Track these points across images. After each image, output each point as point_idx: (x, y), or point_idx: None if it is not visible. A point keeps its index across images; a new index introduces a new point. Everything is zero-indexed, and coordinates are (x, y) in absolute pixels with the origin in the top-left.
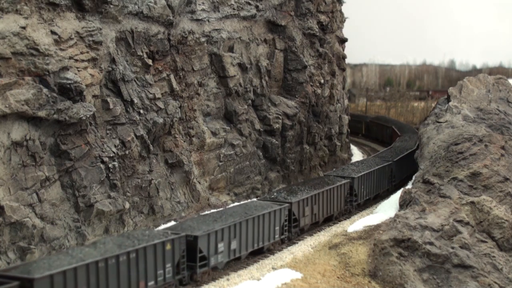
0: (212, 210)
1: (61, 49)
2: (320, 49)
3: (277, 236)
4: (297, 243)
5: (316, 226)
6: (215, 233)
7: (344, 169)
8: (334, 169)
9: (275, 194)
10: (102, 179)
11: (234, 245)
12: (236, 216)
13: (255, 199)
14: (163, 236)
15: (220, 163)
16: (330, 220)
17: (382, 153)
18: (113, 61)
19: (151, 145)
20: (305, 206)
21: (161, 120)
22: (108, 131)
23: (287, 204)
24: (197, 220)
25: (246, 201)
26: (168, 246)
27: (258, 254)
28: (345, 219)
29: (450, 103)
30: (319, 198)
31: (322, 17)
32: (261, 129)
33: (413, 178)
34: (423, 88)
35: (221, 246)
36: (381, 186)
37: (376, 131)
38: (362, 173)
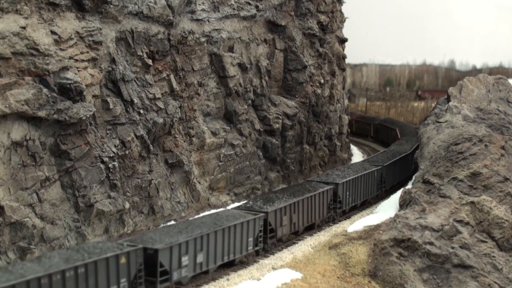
0: (172, 222)
1: (61, 49)
2: (320, 49)
3: (250, 247)
4: (297, 243)
5: (296, 236)
6: (178, 246)
7: (328, 175)
8: (317, 175)
9: (250, 202)
10: (102, 179)
11: (200, 258)
12: (204, 227)
13: (229, 208)
14: (117, 249)
15: (220, 163)
16: (312, 228)
17: (373, 157)
18: (113, 61)
19: (151, 145)
20: (282, 215)
21: (161, 120)
22: (108, 131)
23: (262, 214)
24: (160, 232)
25: (218, 211)
26: (123, 260)
27: (230, 266)
28: (333, 224)
29: (450, 103)
30: (299, 206)
31: (322, 17)
32: (261, 129)
33: (413, 178)
34: (423, 88)
35: (185, 260)
36: (369, 192)
37: (383, 134)
38: (347, 178)
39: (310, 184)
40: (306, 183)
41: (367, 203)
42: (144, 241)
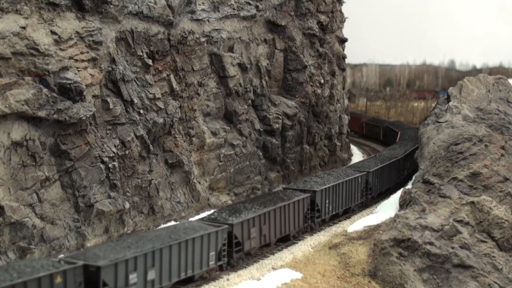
0: (121, 237)
1: (61, 49)
2: (320, 49)
3: (212, 262)
4: (297, 243)
5: (268, 247)
6: (124, 263)
7: (306, 182)
8: (295, 182)
9: (215, 214)
10: (102, 179)
11: (152, 275)
12: (157, 241)
13: (192, 220)
14: (52, 267)
15: (220, 163)
16: (286, 240)
17: (359, 162)
18: (113, 61)
19: (151, 145)
20: (250, 227)
21: (161, 120)
22: (108, 131)
23: (226, 226)
24: (106, 247)
25: (177, 223)
26: (58, 279)
27: (189, 282)
28: (311, 234)
29: (450, 103)
30: (270, 217)
31: (322, 17)
32: (261, 129)
33: (413, 178)
34: (423, 88)
35: (133, 278)
36: (352, 199)
37: (389, 137)
38: (327, 185)
39: (285, 193)
40: (281, 192)
41: (351, 211)
42: (86, 258)
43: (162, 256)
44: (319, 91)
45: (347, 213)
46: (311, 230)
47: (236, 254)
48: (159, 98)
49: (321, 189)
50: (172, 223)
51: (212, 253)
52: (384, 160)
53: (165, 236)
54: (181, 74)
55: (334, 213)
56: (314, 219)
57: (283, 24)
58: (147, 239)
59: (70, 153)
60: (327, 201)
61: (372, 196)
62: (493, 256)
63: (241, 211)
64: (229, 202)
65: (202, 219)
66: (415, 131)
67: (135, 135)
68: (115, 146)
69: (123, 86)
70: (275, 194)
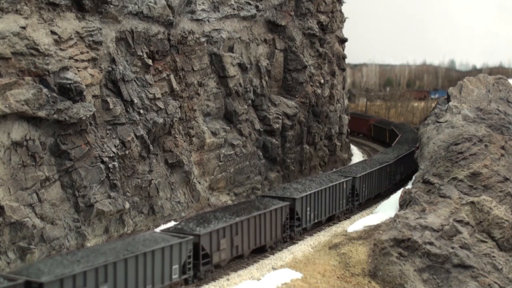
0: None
1: (61, 49)
2: (320, 49)
3: (175, 276)
4: (297, 243)
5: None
6: (71, 279)
7: (285, 189)
8: (273, 189)
9: (182, 223)
10: (102, 179)
11: None
12: (111, 254)
13: (156, 230)
14: None
15: (220, 163)
16: (262, 251)
17: (347, 167)
18: (113, 61)
19: (151, 145)
20: (220, 238)
21: (161, 120)
22: (108, 131)
23: (191, 237)
24: (52, 262)
25: (137, 235)
26: None
27: None
28: (290, 244)
29: (450, 103)
30: (243, 227)
31: (322, 17)
32: (261, 129)
33: (413, 178)
34: (423, 88)
35: None
36: (337, 206)
37: (393, 139)
38: (308, 192)
39: (262, 201)
40: (257, 200)
41: (336, 218)
42: (29, 273)
43: (117, 270)
44: (319, 91)
45: (332, 220)
46: (291, 239)
47: (203, 267)
48: (159, 98)
49: (301, 197)
50: (173, 223)
51: (176, 266)
52: (373, 165)
53: (121, 249)
54: (181, 74)
55: (316, 221)
56: (294, 228)
57: (283, 24)
58: (100, 252)
59: (70, 153)
60: (308, 209)
61: (359, 203)
62: (493, 256)
63: (210, 221)
64: (229, 202)
65: (168, 229)
66: (414, 134)
67: (135, 135)
68: (115, 146)
69: (123, 86)
70: (251, 202)
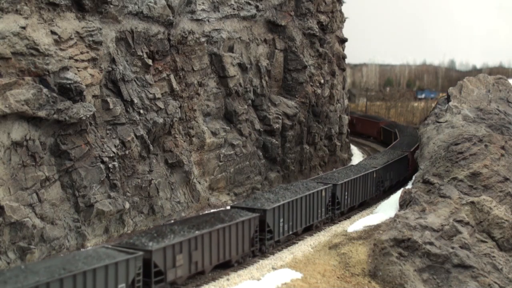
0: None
1: (61, 49)
2: (320, 49)
3: None
4: (297, 243)
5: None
6: None
7: (256, 199)
8: (244, 200)
9: (134, 238)
10: (102, 179)
11: None
12: (46, 274)
13: (106, 245)
14: None
15: (220, 163)
16: (227, 266)
17: (329, 174)
18: (113, 61)
19: (151, 145)
20: (176, 253)
21: (161, 120)
22: (108, 131)
23: (140, 253)
24: None
25: (80, 251)
26: None
27: None
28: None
29: (450, 103)
30: (203, 241)
31: (322, 17)
32: (261, 129)
33: (413, 178)
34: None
35: None
36: (314, 216)
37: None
38: (280, 202)
39: (228, 213)
40: (222, 212)
41: (314, 227)
42: None
43: None
44: (319, 91)
45: (310, 230)
46: (262, 253)
47: (155, 285)
48: (159, 98)
49: (273, 208)
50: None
51: (122, 285)
52: (358, 171)
53: (57, 267)
54: (181, 74)
55: (291, 232)
56: (264, 241)
57: (283, 24)
58: (32, 271)
59: (70, 153)
60: (281, 220)
61: (341, 211)
62: (493, 256)
63: (166, 235)
64: (229, 202)
65: (118, 244)
66: (411, 138)
67: (135, 135)
68: (115, 146)
69: (123, 86)
70: (215, 214)
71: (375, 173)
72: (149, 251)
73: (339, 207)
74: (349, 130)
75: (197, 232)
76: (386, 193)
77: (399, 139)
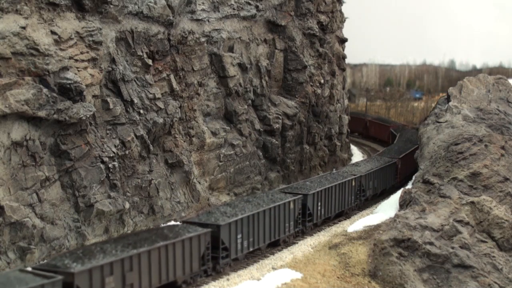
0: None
1: (61, 49)
2: (320, 49)
3: None
4: (297, 243)
5: None
6: None
7: (210, 213)
8: (198, 214)
9: (57, 258)
10: (102, 179)
11: None
12: None
13: (20, 269)
14: None
15: (220, 163)
16: (173, 287)
17: (299, 183)
18: (113, 61)
19: (151, 145)
20: (104, 276)
21: (161, 120)
22: (108, 131)
23: (59, 277)
24: None
25: None
26: None
27: None
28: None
29: (450, 103)
30: (140, 261)
31: (322, 17)
32: (261, 129)
33: (413, 178)
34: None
35: None
36: (280, 230)
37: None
38: (237, 217)
39: (174, 229)
40: (167, 227)
41: (281, 242)
42: None
43: None
44: (319, 91)
45: (277, 245)
46: (217, 273)
47: None
48: (159, 98)
49: (228, 223)
50: (172, 223)
51: None
52: (335, 179)
53: None
54: (181, 74)
55: (251, 249)
56: (219, 259)
57: (283, 24)
58: None
59: (70, 153)
60: (239, 236)
61: (313, 223)
62: (493, 256)
63: (94, 254)
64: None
65: (39, 265)
66: (405, 143)
67: (135, 135)
68: (115, 146)
69: (123, 86)
70: (158, 230)
71: (354, 181)
72: (71, 274)
73: (311, 219)
74: (349, 130)
75: (133, 251)
76: (384, 195)
77: (393, 144)
